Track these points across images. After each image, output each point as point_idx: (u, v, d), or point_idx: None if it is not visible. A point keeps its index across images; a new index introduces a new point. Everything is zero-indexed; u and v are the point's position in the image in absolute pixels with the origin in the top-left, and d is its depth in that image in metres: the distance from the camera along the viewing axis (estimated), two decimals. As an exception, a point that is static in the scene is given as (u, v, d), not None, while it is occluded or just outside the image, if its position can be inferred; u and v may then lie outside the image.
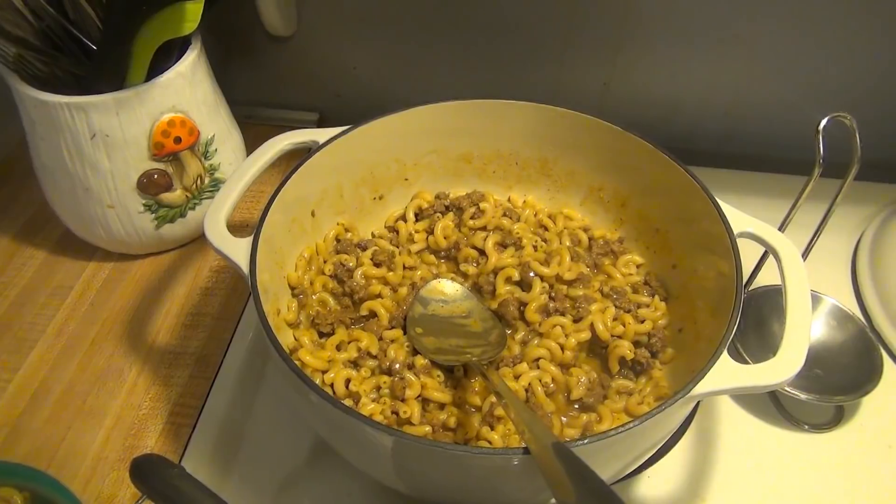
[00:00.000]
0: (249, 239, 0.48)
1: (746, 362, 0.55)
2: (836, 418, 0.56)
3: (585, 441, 0.38)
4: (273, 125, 0.82)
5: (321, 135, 0.57)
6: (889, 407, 0.56)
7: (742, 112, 0.75)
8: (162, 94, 0.57)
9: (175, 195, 0.62)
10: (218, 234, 0.49)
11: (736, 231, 0.49)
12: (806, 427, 0.55)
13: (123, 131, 0.57)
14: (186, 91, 0.59)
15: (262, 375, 0.58)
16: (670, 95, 0.75)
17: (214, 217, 0.50)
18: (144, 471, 0.40)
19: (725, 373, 0.41)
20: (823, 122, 0.49)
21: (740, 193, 0.61)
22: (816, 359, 0.57)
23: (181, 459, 0.52)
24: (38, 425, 0.54)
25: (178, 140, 0.59)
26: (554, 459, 0.33)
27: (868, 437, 0.55)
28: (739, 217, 0.50)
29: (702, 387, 0.40)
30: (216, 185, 0.65)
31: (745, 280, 0.58)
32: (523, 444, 0.47)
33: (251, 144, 0.69)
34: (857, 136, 0.49)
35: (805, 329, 0.42)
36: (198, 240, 0.69)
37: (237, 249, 0.48)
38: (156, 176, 0.60)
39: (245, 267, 0.47)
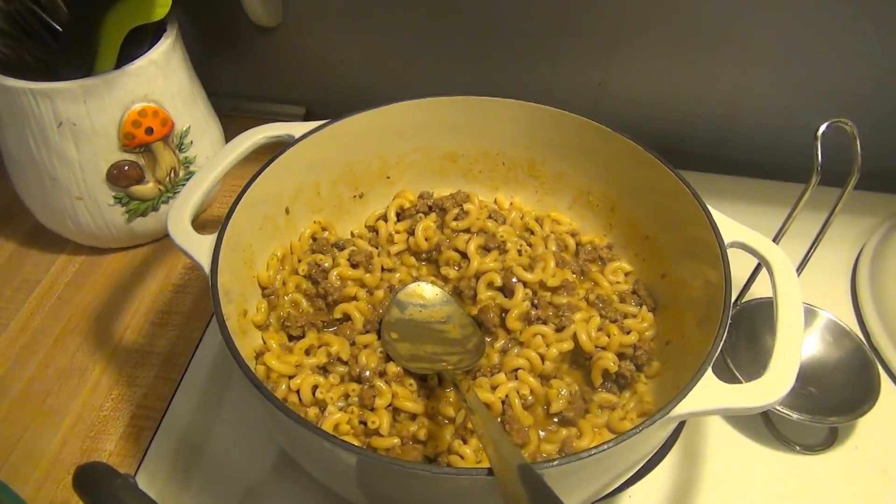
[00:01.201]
0: (213, 236, 0.46)
1: (737, 378, 0.53)
2: (830, 439, 0.53)
3: (556, 463, 0.35)
4: (258, 118, 0.78)
5: (298, 128, 0.54)
6: (885, 429, 0.53)
7: (738, 116, 0.72)
8: (133, 83, 0.55)
9: (147, 188, 0.60)
10: (180, 230, 0.46)
11: (727, 240, 0.46)
12: (797, 448, 0.53)
13: (91, 120, 0.54)
14: (159, 80, 0.57)
15: (230, 379, 0.56)
16: (665, 97, 0.72)
17: (179, 211, 0.47)
18: (87, 479, 0.37)
19: (709, 392, 0.38)
20: (822, 127, 0.47)
21: (734, 200, 0.59)
22: (810, 376, 0.54)
23: (140, 465, 0.50)
24: (-7, 425, 0.52)
25: (149, 131, 0.57)
26: (518, 484, 0.30)
27: (862, 461, 0.52)
28: (731, 225, 0.47)
29: (683, 407, 0.37)
30: (191, 178, 0.62)
31: (738, 292, 0.56)
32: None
33: (231, 137, 0.67)
34: (858, 142, 0.47)
35: (796, 347, 0.40)
36: (172, 235, 0.66)
37: (199, 246, 0.45)
38: (126, 168, 0.58)
39: (206, 265, 0.44)
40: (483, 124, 0.59)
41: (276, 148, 0.53)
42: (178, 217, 0.47)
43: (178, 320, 0.60)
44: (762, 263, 0.45)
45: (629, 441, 0.36)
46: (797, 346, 0.40)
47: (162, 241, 0.66)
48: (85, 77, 0.53)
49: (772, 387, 0.38)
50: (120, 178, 0.58)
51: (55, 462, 0.50)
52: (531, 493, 0.29)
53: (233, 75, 0.79)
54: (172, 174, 0.61)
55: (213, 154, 0.65)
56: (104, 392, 0.54)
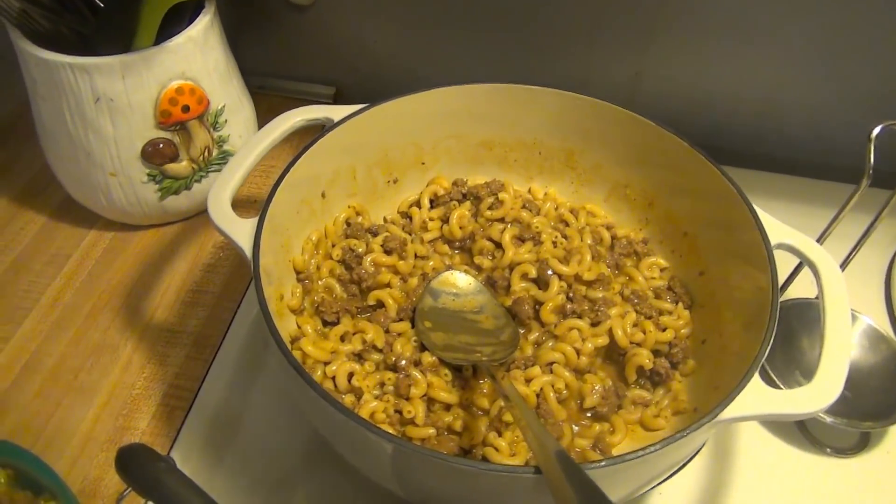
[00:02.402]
0: (254, 220, 0.46)
1: (772, 380, 0.53)
2: (862, 444, 0.53)
3: (603, 464, 0.35)
4: (287, 97, 0.79)
5: (336, 112, 0.53)
6: (919, 435, 0.53)
7: (774, 112, 0.71)
8: (171, 60, 0.54)
9: (181, 166, 0.59)
10: (221, 213, 0.46)
11: (773, 242, 0.46)
12: (829, 451, 0.53)
13: (129, 96, 0.54)
14: (197, 57, 0.56)
15: (262, 361, 0.56)
16: (702, 90, 0.71)
17: (219, 194, 0.47)
18: (130, 462, 0.37)
19: (756, 397, 0.38)
20: (877, 130, 0.46)
21: (771, 197, 0.58)
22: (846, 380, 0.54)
23: (172, 445, 0.50)
24: (27, 400, 0.52)
25: (186, 109, 0.56)
26: (557, 468, 0.32)
27: (894, 466, 0.52)
28: (777, 227, 0.46)
29: (730, 411, 0.37)
30: (224, 157, 0.62)
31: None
32: (533, 461, 0.45)
33: (263, 116, 0.67)
34: (912, 147, 0.46)
35: (845, 355, 0.39)
36: (203, 213, 0.66)
37: (241, 230, 0.45)
38: (161, 145, 0.57)
39: (248, 250, 0.44)
40: (521, 113, 0.59)
41: (307, 131, 0.53)
42: (218, 200, 0.46)
43: (209, 300, 0.60)
44: (809, 267, 0.45)
45: (674, 444, 0.36)
46: (846, 353, 0.39)
47: (192, 219, 0.66)
48: (123, 53, 0.52)
49: (820, 394, 0.38)
50: (154, 155, 0.57)
51: (88, 439, 0.50)
52: (568, 476, 0.31)
53: (262, 52, 0.78)
54: (206, 153, 0.60)
55: (245, 133, 0.64)
56: (136, 370, 0.54)
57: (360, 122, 0.54)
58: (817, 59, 0.66)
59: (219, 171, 0.63)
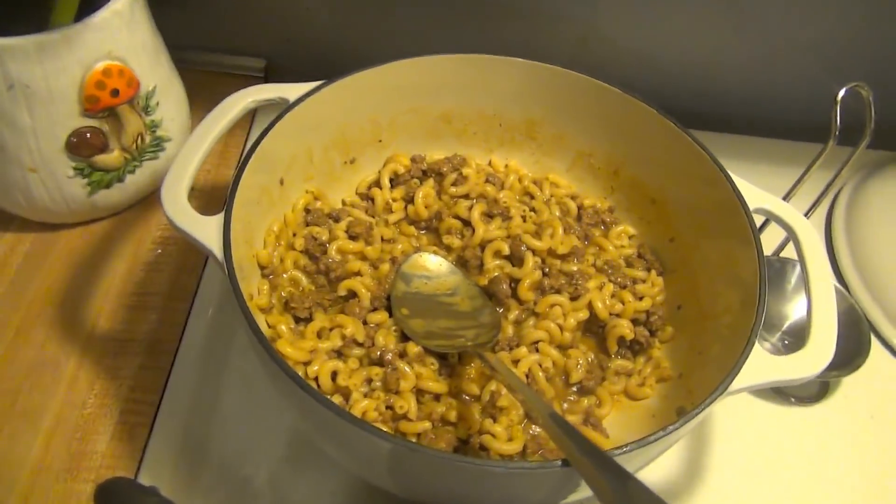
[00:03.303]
0: (219, 216, 0.41)
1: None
2: (822, 392, 0.56)
3: (627, 449, 0.34)
4: (213, 72, 0.72)
5: (291, 91, 0.49)
6: (872, 379, 0.56)
7: (719, 70, 0.72)
8: (95, 38, 0.48)
9: (112, 157, 0.53)
10: (180, 212, 0.41)
11: (750, 207, 0.46)
12: (793, 400, 0.55)
13: (48, 82, 0.47)
14: (124, 34, 0.50)
15: (227, 363, 0.52)
16: (648, 52, 0.71)
17: (173, 190, 0.42)
18: (114, 499, 0.33)
19: (760, 366, 0.39)
20: (842, 92, 0.47)
21: (727, 158, 0.59)
22: (803, 332, 0.56)
23: (139, 467, 0.46)
24: (-41, 432, 0.46)
25: (115, 93, 0.50)
26: (554, 428, 0.35)
27: (852, 409, 0.55)
28: (753, 192, 0.47)
29: (740, 381, 0.38)
30: (159, 144, 0.56)
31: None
32: (531, 445, 0.44)
33: (189, 95, 0.61)
34: (872, 107, 0.47)
35: (832, 317, 0.41)
36: (135, 206, 0.60)
37: (206, 229, 0.41)
38: (88, 135, 0.51)
39: (218, 250, 0.40)
40: (481, 84, 0.56)
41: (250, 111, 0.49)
42: (174, 197, 0.42)
43: (156, 302, 0.55)
44: (787, 233, 0.46)
45: (694, 419, 0.36)
46: (833, 316, 0.41)
47: (123, 213, 0.60)
48: (39, 32, 0.46)
49: (816, 357, 0.39)
50: (81, 146, 0.51)
51: (40, 469, 0.45)
52: (566, 432, 0.34)
53: (182, 23, 0.70)
54: (139, 140, 0.54)
55: (178, 116, 0.59)
56: (84, 387, 0.49)
57: (316, 100, 0.50)
58: (759, 15, 0.67)
59: (153, 159, 0.57)
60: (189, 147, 0.44)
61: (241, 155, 0.66)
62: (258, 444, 0.48)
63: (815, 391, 0.56)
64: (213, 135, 0.45)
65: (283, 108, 0.49)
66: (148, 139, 0.55)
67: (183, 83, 0.61)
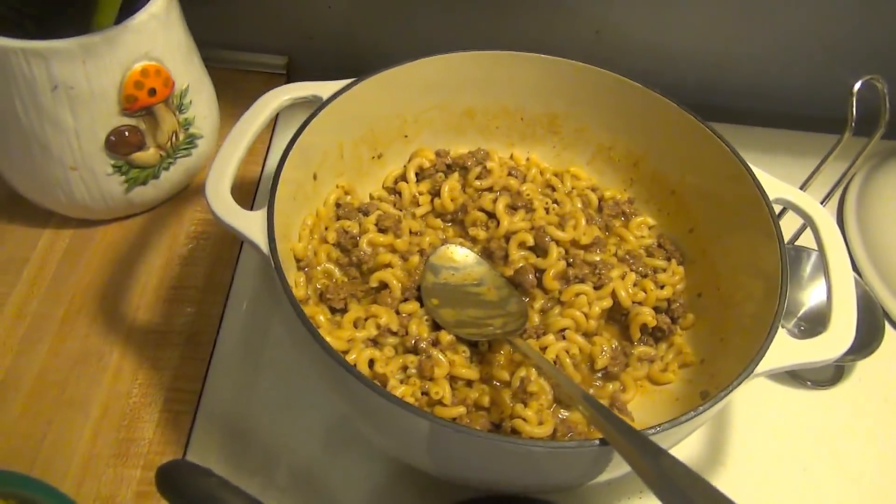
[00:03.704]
0: (262, 211, 0.43)
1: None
2: (837, 376, 0.58)
3: (659, 429, 0.36)
4: (238, 70, 0.74)
5: (324, 88, 0.51)
6: (886, 363, 0.58)
7: (734, 63, 0.73)
8: (134, 40, 0.49)
9: (148, 154, 0.55)
10: (225, 207, 0.43)
11: (770, 198, 0.48)
12: (809, 384, 0.57)
13: (90, 83, 0.49)
14: (160, 35, 0.51)
15: (262, 352, 0.54)
16: (663, 45, 0.72)
17: (217, 187, 0.44)
18: (178, 482, 0.35)
19: (784, 349, 0.40)
20: (858, 84, 0.48)
21: (743, 151, 0.61)
22: (818, 318, 0.58)
23: (185, 451, 0.48)
24: (11, 422, 0.48)
25: (152, 92, 0.52)
26: (589, 409, 0.38)
27: (867, 393, 0.57)
28: (772, 183, 0.49)
29: (765, 364, 0.39)
30: (192, 141, 0.58)
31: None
32: (561, 427, 0.46)
33: (217, 93, 0.63)
34: (888, 99, 0.49)
35: (851, 301, 0.43)
36: (169, 202, 0.62)
37: (251, 224, 0.43)
38: (127, 133, 0.53)
39: (264, 244, 0.42)
40: (505, 79, 0.58)
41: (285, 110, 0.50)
42: (218, 193, 0.43)
43: (193, 295, 0.56)
44: (806, 222, 0.47)
45: (724, 400, 0.38)
46: (852, 299, 0.42)
47: (157, 209, 0.61)
48: (82, 35, 0.47)
49: (838, 341, 0.41)
50: (120, 145, 0.53)
51: (90, 456, 0.47)
52: (599, 412, 0.37)
53: (206, 22, 0.72)
54: (174, 138, 0.56)
55: (209, 114, 0.60)
56: (128, 377, 0.51)
57: (348, 97, 0.51)
58: (770, 9, 0.68)
59: (187, 156, 0.59)
60: (230, 144, 0.46)
61: (267, 152, 0.67)
62: (297, 430, 0.50)
63: (830, 375, 0.58)
64: (252, 131, 0.47)
65: (313, 105, 0.50)
66: (182, 137, 0.57)
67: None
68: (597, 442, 0.35)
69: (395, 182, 0.59)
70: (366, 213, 0.55)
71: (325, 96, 0.50)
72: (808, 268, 0.60)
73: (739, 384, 0.38)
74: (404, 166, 0.60)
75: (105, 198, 0.56)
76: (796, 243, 0.61)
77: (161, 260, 0.58)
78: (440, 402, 0.46)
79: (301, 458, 0.49)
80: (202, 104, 0.58)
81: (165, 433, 0.49)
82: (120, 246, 0.59)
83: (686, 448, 0.52)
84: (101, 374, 0.51)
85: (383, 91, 0.54)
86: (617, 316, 0.54)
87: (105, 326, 0.54)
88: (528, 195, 0.57)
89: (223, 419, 0.50)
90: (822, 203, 0.56)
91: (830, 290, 0.43)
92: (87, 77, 0.48)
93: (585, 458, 0.36)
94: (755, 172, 0.49)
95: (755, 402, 0.55)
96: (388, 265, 0.53)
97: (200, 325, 0.54)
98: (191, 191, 0.63)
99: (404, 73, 0.54)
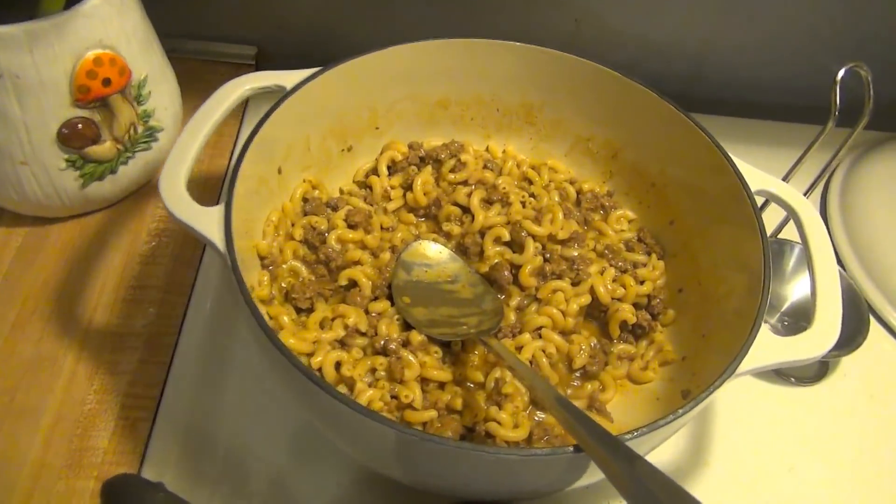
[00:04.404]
0: (219, 207, 0.41)
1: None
2: (822, 372, 0.56)
3: (637, 434, 0.34)
4: (204, 60, 0.71)
5: (288, 78, 0.48)
6: (871, 358, 0.56)
7: (716, 52, 0.72)
8: (86, 26, 0.47)
9: (104, 148, 0.52)
10: (180, 203, 0.41)
11: (752, 189, 0.46)
12: (793, 381, 0.56)
13: (38, 72, 0.46)
14: (115, 22, 0.49)
15: (227, 355, 0.51)
16: (643, 34, 0.70)
17: (172, 181, 0.41)
18: (122, 497, 0.33)
19: (766, 347, 0.39)
20: (841, 72, 0.47)
21: (725, 141, 0.59)
22: (803, 313, 0.56)
23: (142, 462, 0.45)
24: (-43, 431, 0.45)
25: (106, 82, 0.49)
26: (560, 411, 0.36)
27: (852, 389, 0.56)
28: (754, 174, 0.47)
29: (747, 363, 0.38)
30: (151, 134, 0.55)
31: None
32: (537, 430, 0.44)
33: (184, 85, 0.60)
34: (871, 87, 0.47)
35: (836, 296, 0.41)
36: (129, 197, 0.59)
37: (207, 220, 0.40)
38: (80, 126, 0.50)
39: (220, 242, 0.39)
40: (480, 69, 0.56)
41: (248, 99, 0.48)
42: (173, 189, 0.41)
43: (154, 295, 0.54)
44: (789, 214, 0.46)
45: (704, 401, 0.36)
46: (837, 297, 0.41)
47: (118, 206, 0.59)
48: (28, 20, 0.44)
49: (823, 338, 0.39)
50: (73, 138, 0.50)
51: (41, 467, 0.45)
52: (572, 415, 0.35)
53: (170, 10, 0.70)
54: (132, 131, 0.53)
55: (171, 105, 0.57)
56: (83, 383, 0.49)
57: (314, 87, 0.49)
58: None
59: (146, 149, 0.56)
60: (186, 136, 0.43)
61: (235, 144, 0.65)
62: (263, 436, 0.47)
63: (814, 371, 0.56)
64: (210, 124, 0.45)
65: (278, 95, 0.48)
66: (140, 129, 0.54)
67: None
68: (570, 448, 0.33)
69: (367, 176, 0.57)
70: (335, 209, 0.53)
71: (288, 86, 0.48)
72: (791, 261, 0.59)
73: (721, 384, 0.37)
74: (376, 159, 0.57)
75: (59, 194, 0.53)
76: (779, 236, 0.59)
77: (121, 258, 0.56)
78: (410, 406, 0.44)
79: (267, 467, 0.46)
80: (163, 95, 0.56)
81: (122, 442, 0.46)
82: (77, 244, 0.56)
83: (668, 446, 0.50)
84: (54, 380, 0.48)
85: (351, 81, 0.51)
86: (596, 313, 0.52)
87: (60, 329, 0.51)
88: (503, 189, 0.55)
89: (184, 426, 0.47)
90: (805, 194, 0.54)
91: (815, 284, 0.41)
92: (35, 66, 0.46)
93: (558, 465, 0.35)
94: (736, 163, 0.47)
95: (738, 399, 0.53)
96: (358, 262, 0.51)
97: (161, 327, 0.52)
98: (152, 186, 0.60)
99: (373, 62, 0.52)
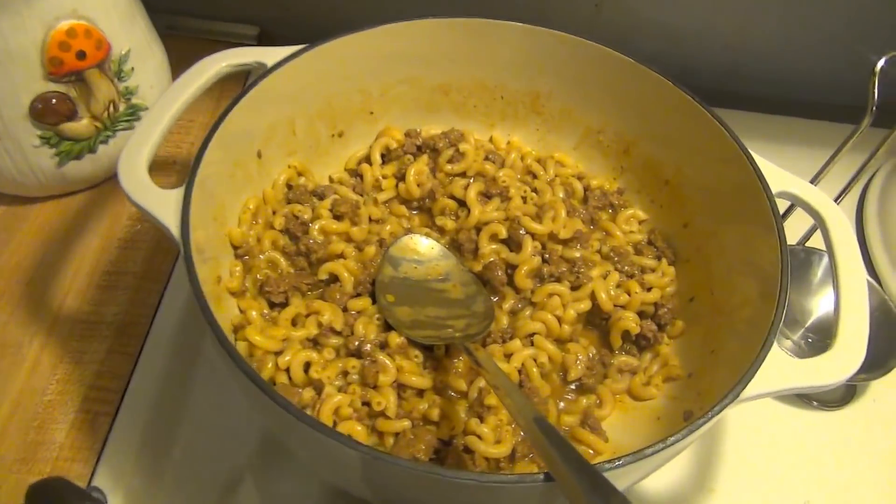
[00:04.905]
0: (179, 190, 0.38)
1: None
2: (848, 395, 0.51)
3: (619, 463, 0.30)
4: (203, 39, 0.68)
5: (269, 55, 0.45)
6: (903, 383, 0.51)
7: (746, 44, 0.66)
8: (56, -6, 0.44)
9: (81, 125, 0.50)
10: (136, 183, 0.38)
11: (773, 190, 0.41)
12: (815, 404, 0.51)
13: (6, 41, 0.44)
14: (90, -10, 0.46)
15: (199, 350, 0.48)
16: (670, 23, 0.65)
17: (132, 159, 0.38)
18: (45, 502, 0.30)
19: (778, 369, 0.34)
20: (881, 62, 0.41)
21: (751, 139, 0.54)
22: (828, 329, 0.51)
23: (99, 458, 0.43)
24: None
25: (81, 55, 0.47)
26: (538, 433, 0.31)
27: (881, 415, 0.50)
28: (777, 174, 0.42)
29: (754, 387, 0.33)
30: (134, 112, 0.53)
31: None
32: (521, 447, 0.40)
33: (177, 63, 0.57)
34: (916, 80, 0.42)
35: (863, 313, 0.36)
36: (112, 179, 0.57)
37: (163, 203, 0.37)
38: (54, 101, 0.47)
39: (175, 228, 0.36)
40: (481, 51, 0.52)
41: (236, 79, 0.45)
42: (131, 167, 0.38)
43: (129, 282, 0.51)
44: (814, 219, 0.41)
45: (700, 430, 0.32)
46: (864, 315, 0.36)
47: (100, 186, 0.56)
48: (-6, -15, 0.42)
49: (844, 362, 0.34)
50: (46, 113, 0.48)
51: (-7, 459, 0.42)
52: (551, 441, 0.30)
53: (170, -14, 0.68)
54: (111, 108, 0.51)
55: (158, 83, 0.55)
56: (46, 372, 0.46)
57: (298, 66, 0.46)
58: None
59: (128, 129, 0.53)
60: (153, 113, 0.41)
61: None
62: (229, 439, 0.44)
63: (840, 395, 0.51)
64: (180, 101, 0.42)
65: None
66: (122, 107, 0.52)
67: (166, 49, 0.57)
68: (541, 476, 0.29)
69: (360, 164, 0.54)
70: (321, 197, 0.50)
71: (270, 63, 0.45)
72: (819, 272, 0.54)
73: (721, 411, 0.32)
74: (370, 147, 0.54)
75: (35, 172, 0.51)
76: (807, 244, 0.54)
77: (98, 242, 0.53)
78: (383, 414, 0.41)
79: (231, 472, 0.44)
80: (148, 72, 0.53)
81: (79, 437, 0.44)
82: (55, 226, 0.54)
83: (669, 468, 0.46)
84: (16, 367, 0.46)
85: (340, 61, 0.48)
86: (597, 321, 0.48)
87: (28, 314, 0.49)
88: (503, 182, 0.51)
89: (146, 423, 0.45)
90: (836, 200, 0.49)
91: (839, 298, 0.37)
92: (2, 34, 0.43)
93: (527, 494, 0.31)
94: (756, 160, 0.42)
95: (752, 419, 0.49)
96: (341, 256, 0.47)
97: (133, 316, 0.49)
98: (138, 168, 0.57)
99: (365, 41, 0.48)
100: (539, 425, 0.32)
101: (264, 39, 0.70)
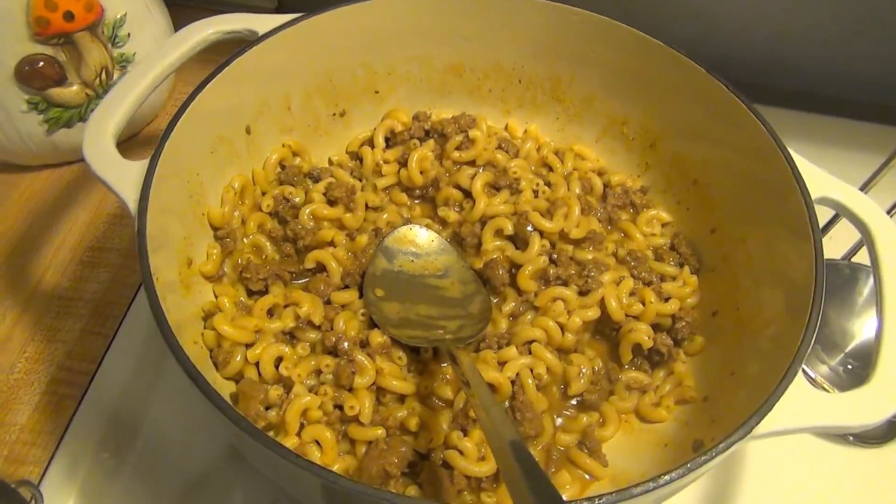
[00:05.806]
0: (145, 161, 0.34)
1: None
2: (890, 433, 0.45)
3: (602, 501, 0.26)
4: (215, 10, 0.65)
5: (262, 23, 0.42)
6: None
7: (795, 35, 0.60)
8: (42, -52, 0.42)
9: (70, 91, 0.48)
10: (98, 151, 0.35)
11: (814, 196, 0.36)
12: (851, 440, 0.45)
13: (-13, -2, 0.41)
14: (80, -53, 0.43)
15: (176, 335, 0.45)
16: (710, 10, 0.60)
17: (98, 126, 0.36)
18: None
19: (801, 403, 0.29)
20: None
21: (796, 140, 0.49)
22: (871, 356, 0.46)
23: (59, 444, 0.40)
24: None
25: (69, 16, 0.44)
26: (513, 461, 0.27)
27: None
28: (819, 177, 0.37)
29: (771, 422, 0.28)
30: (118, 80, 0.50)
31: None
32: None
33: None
34: None
35: (910, 344, 0.31)
36: (109, 151, 0.54)
37: (125, 174, 0.34)
38: (41, 64, 0.45)
39: (133, 202, 0.33)
40: (498, 30, 0.48)
41: (235, 47, 0.41)
42: (96, 134, 0.35)
43: (113, 259, 0.49)
44: (860, 231, 0.35)
45: (701, 468, 0.27)
46: (912, 342, 0.31)
47: (96, 158, 0.54)
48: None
49: (883, 396, 0.29)
50: (33, 76, 0.45)
51: (-51, 438, 0.40)
52: (524, 471, 0.27)
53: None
54: (104, 75, 0.48)
55: (157, 52, 0.52)
56: (16, 349, 0.44)
57: (293, 35, 0.42)
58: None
59: (123, 98, 0.51)
60: (127, 79, 0.38)
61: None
62: (198, 431, 0.42)
63: (882, 431, 0.46)
64: (159, 68, 0.39)
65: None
66: (116, 74, 0.49)
67: (177, 19, 0.54)
68: (509, 512, 0.25)
69: (361, 146, 0.50)
70: (316, 180, 0.46)
71: (261, 31, 0.41)
72: (864, 291, 0.48)
73: (729, 448, 0.27)
74: (374, 128, 0.50)
75: (23, 139, 0.49)
76: (853, 259, 0.48)
77: (86, 216, 0.51)
78: (356, 420, 0.37)
79: (198, 465, 0.41)
80: (147, 39, 0.51)
81: (42, 420, 0.42)
82: (44, 196, 0.52)
83: (678, 500, 0.41)
84: (-15, 342, 0.44)
85: (340, 33, 0.45)
86: (607, 331, 0.44)
87: (4, 287, 0.47)
88: (514, 173, 0.47)
89: (113, 409, 0.42)
90: (889, 212, 0.43)
91: (882, 323, 0.32)
92: (-16, -9, 0.41)
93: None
94: (796, 161, 0.37)
95: (776, 455, 0.44)
96: (331, 244, 0.44)
97: (113, 295, 0.47)
98: (136, 139, 0.55)
99: (366, 13, 0.44)
100: (514, 450, 0.28)
101: (283, 10, 0.67)
